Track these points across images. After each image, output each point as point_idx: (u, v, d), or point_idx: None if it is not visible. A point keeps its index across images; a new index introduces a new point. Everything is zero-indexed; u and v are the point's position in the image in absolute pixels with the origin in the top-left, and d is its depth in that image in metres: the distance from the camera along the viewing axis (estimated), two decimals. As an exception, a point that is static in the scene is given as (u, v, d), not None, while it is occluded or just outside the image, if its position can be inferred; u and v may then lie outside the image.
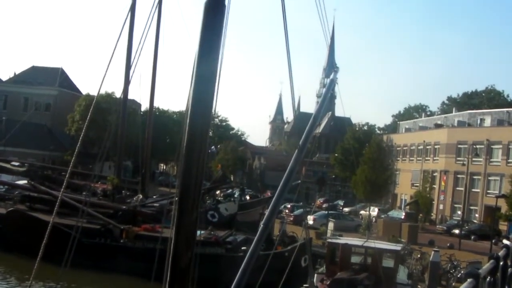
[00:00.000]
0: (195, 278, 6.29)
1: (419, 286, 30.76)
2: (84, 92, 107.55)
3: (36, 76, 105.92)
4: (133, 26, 43.14)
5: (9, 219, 35.12)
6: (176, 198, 5.85)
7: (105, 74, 7.85)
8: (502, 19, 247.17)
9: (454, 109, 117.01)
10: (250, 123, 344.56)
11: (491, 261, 7.33)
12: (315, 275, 23.82)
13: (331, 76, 12.22)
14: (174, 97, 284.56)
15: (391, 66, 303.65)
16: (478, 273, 5.42)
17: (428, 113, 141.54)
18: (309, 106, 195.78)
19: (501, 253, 8.75)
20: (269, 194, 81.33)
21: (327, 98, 12.31)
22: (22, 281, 30.05)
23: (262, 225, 9.96)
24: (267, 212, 10.32)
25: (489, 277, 7.21)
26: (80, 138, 7.56)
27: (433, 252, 30.88)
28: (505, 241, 16.97)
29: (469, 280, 5.18)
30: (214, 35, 5.85)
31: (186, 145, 5.68)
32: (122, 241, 33.43)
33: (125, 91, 39.11)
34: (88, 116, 7.86)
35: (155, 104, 52.05)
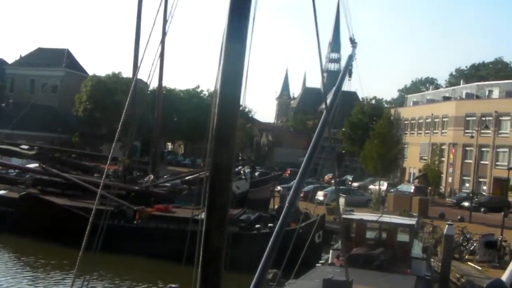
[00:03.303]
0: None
1: (432, 260, 30.75)
2: (90, 72, 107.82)
3: (42, 57, 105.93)
4: (141, 4, 43.10)
5: (22, 203, 34.94)
6: (207, 175, 5.76)
7: (141, 61, 7.71)
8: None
9: (462, 81, 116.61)
10: (257, 99, 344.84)
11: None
12: (331, 251, 23.82)
13: (350, 52, 12.15)
14: (180, 76, 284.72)
15: (397, 40, 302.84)
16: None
17: (436, 86, 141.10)
18: (315, 81, 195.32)
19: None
20: (288, 172, 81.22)
21: (347, 73, 12.21)
22: (52, 267, 30.01)
23: (287, 204, 9.91)
24: (292, 187, 10.23)
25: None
26: (120, 127, 7.43)
27: (447, 225, 30.77)
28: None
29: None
30: (243, 11, 5.75)
31: (217, 122, 5.60)
32: (135, 222, 33.43)
33: (135, 71, 38.88)
34: (127, 100, 7.69)
35: (163, 83, 51.78)
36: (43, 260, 31.33)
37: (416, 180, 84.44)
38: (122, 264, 30.09)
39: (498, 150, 77.90)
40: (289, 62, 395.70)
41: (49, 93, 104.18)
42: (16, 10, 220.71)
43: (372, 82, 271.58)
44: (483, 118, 66.08)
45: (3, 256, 32.33)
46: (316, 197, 53.50)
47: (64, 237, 29.25)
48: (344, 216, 25.22)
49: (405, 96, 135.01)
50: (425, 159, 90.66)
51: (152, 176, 42.43)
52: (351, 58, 11.98)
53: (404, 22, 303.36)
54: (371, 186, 79.15)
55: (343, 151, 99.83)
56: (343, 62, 11.24)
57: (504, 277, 4.89)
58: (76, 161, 48.60)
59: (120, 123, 7.59)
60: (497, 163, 77.35)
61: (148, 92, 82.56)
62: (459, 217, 50.63)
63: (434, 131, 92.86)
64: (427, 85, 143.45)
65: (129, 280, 28.94)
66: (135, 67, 38.11)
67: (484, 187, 78.83)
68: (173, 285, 15.15)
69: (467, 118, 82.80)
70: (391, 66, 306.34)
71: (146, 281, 28.70)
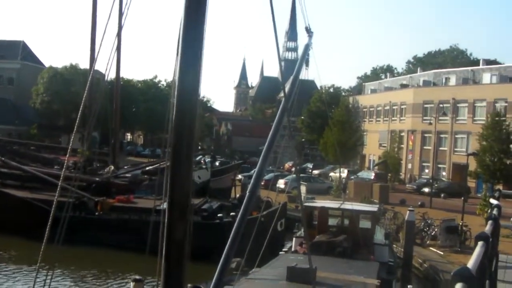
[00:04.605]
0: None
1: (394, 246, 30.96)
2: (47, 64, 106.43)
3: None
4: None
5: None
6: (167, 165, 5.71)
7: (97, 52, 7.60)
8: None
9: (419, 69, 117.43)
10: (215, 89, 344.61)
11: (490, 222, 7.25)
12: (294, 239, 23.84)
13: (307, 41, 12.22)
14: (137, 67, 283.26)
15: (356, 28, 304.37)
16: (488, 235, 5.32)
17: (396, 73, 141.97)
18: (273, 70, 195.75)
19: (495, 212, 8.71)
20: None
21: (304, 62, 12.29)
22: (14, 261, 29.78)
23: (248, 192, 9.88)
24: (253, 176, 10.21)
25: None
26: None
27: (408, 211, 31.02)
28: (493, 201, 16.65)
29: (479, 243, 5.08)
30: (200, 1, 5.70)
31: (177, 112, 5.55)
32: (97, 214, 33.20)
33: (92, 62, 38.62)
34: (85, 91, 7.57)
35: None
36: (4, 254, 31.00)
37: (376, 167, 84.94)
38: (85, 256, 29.75)
39: (456, 136, 78.76)
40: (247, 51, 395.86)
41: (5, 85, 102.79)
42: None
43: (332, 71, 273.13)
44: (441, 105, 66.62)
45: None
46: (277, 185, 53.61)
47: (25, 230, 28.95)
48: (306, 203, 25.24)
49: (363, 84, 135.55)
50: (384, 146, 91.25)
51: (112, 167, 42.18)
52: (307, 47, 12.07)
53: (362, 10, 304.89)
54: (331, 174, 79.43)
55: (303, 140, 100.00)
56: (300, 51, 11.38)
57: (470, 265, 4.99)
58: (35, 153, 48.11)
59: (79, 115, 7.48)
60: (455, 149, 78.26)
61: (106, 82, 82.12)
62: (419, 203, 51.07)
63: (393, 118, 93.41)
64: (387, 73, 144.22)
65: (93, 272, 28.70)
66: (92, 59, 37.77)
67: (444, 173, 79.72)
68: (137, 277, 15.06)
69: (425, 105, 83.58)
70: (350, 54, 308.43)
71: (110, 273, 28.49)
